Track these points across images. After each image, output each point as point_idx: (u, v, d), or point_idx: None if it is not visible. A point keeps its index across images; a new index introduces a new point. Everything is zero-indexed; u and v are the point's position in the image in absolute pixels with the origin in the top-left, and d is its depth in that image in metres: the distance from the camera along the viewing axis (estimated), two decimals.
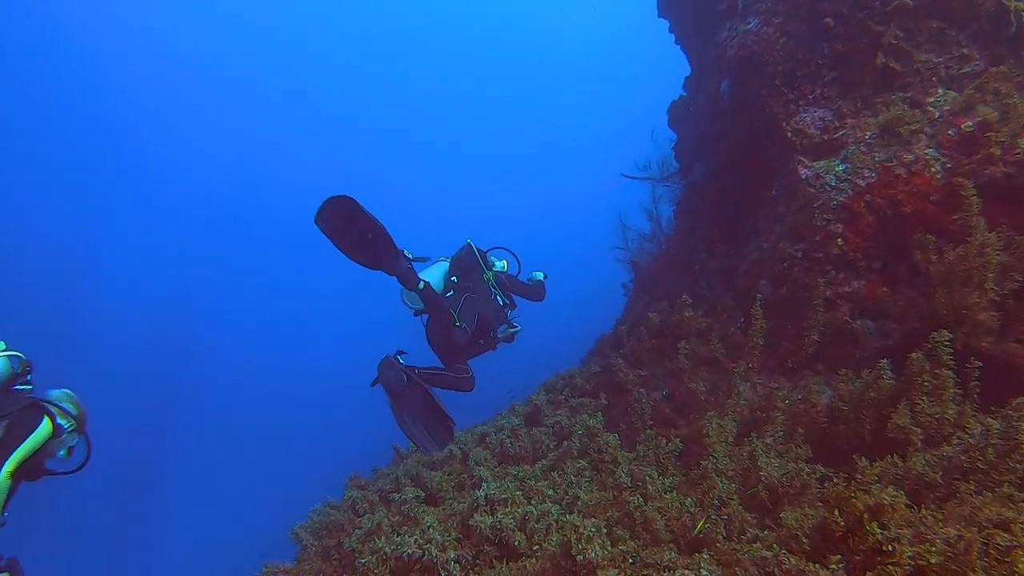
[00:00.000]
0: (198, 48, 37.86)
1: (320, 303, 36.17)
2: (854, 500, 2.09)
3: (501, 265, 5.10)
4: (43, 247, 29.51)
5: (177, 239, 35.67)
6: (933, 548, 1.77)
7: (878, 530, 1.91)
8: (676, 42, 7.80)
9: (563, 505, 3.30)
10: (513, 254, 5.19)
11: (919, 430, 2.97)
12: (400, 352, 4.23)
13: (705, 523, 2.84)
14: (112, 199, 34.18)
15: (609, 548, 2.39)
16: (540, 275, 5.39)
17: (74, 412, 3.37)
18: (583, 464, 3.96)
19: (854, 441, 3.43)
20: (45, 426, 3.10)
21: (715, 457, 3.28)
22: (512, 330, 5.06)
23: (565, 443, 4.57)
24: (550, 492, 3.58)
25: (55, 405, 3.26)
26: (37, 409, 3.13)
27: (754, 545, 2.20)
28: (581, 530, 2.51)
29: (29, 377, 3.32)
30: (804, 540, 2.23)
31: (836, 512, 2.04)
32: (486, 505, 3.12)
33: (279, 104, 41.81)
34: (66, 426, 3.29)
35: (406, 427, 3.89)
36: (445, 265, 4.76)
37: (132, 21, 34.32)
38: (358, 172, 43.58)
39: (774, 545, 2.06)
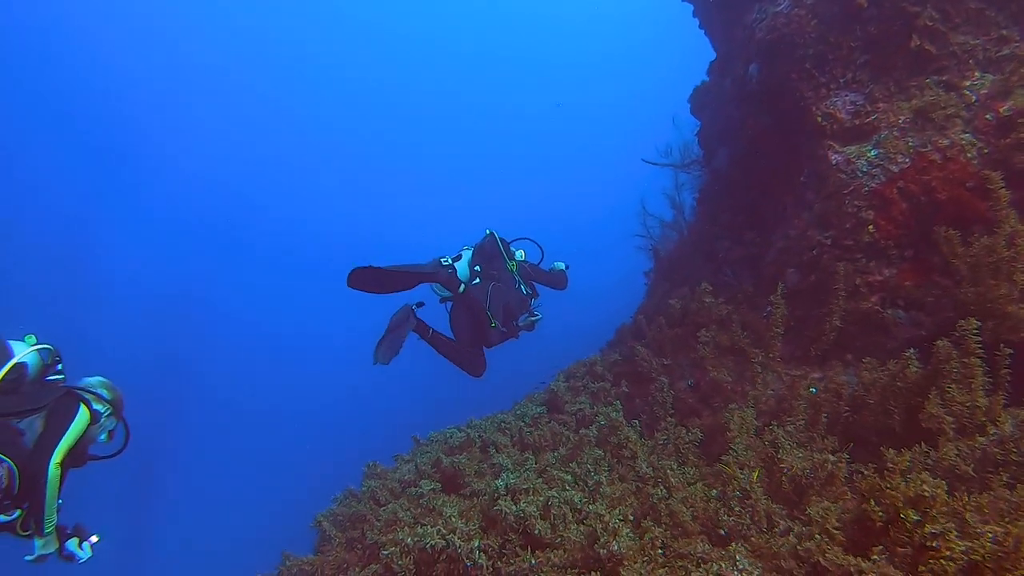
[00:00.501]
0: (204, 50, 37.79)
1: (328, 298, 36.29)
2: (891, 491, 2.04)
3: (520, 255, 5.16)
4: (45, 250, 29.72)
5: (180, 243, 35.76)
6: (986, 544, 1.71)
7: (915, 519, 1.86)
8: (700, 27, 7.66)
9: (586, 492, 3.27)
10: (536, 243, 5.27)
11: (951, 419, 2.89)
12: (419, 304, 4.55)
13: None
14: (115, 203, 34.27)
15: (635, 539, 2.35)
16: (562, 265, 5.49)
17: (109, 397, 3.44)
18: (600, 453, 3.93)
19: (881, 431, 3.36)
20: (83, 414, 3.18)
21: (735, 450, 3.23)
22: (533, 319, 5.15)
23: (582, 431, 4.56)
24: (568, 478, 3.55)
25: (90, 392, 3.32)
26: (72, 398, 3.21)
27: (787, 538, 2.15)
28: (606, 520, 2.48)
29: (60, 367, 3.39)
30: (836, 533, 2.17)
31: (873, 503, 1.98)
32: (507, 494, 3.09)
33: (294, 108, 41.70)
34: (103, 411, 3.37)
35: (377, 345, 4.30)
36: (468, 254, 4.82)
37: (137, 22, 34.27)
38: (381, 172, 43.48)
39: (816, 535, 2.00)
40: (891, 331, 4.00)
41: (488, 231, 5.01)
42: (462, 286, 4.48)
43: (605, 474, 3.54)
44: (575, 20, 42.85)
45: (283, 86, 41.45)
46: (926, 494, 1.92)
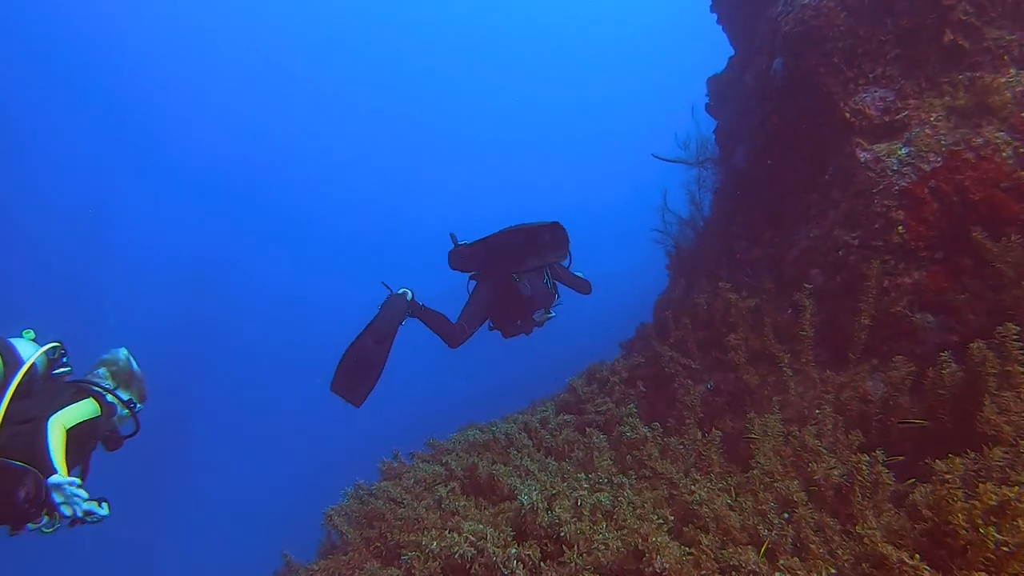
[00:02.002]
0: (234, 22, 37.73)
1: (349, 280, 36.22)
2: (962, 504, 1.89)
3: None
4: (66, 225, 29.82)
5: (199, 218, 35.74)
6: None
7: (1008, 548, 1.70)
8: (718, 22, 7.51)
9: (611, 495, 3.14)
10: None
11: (1010, 428, 2.74)
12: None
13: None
14: (130, 179, 34.25)
15: (680, 549, 2.24)
16: (580, 274, 5.66)
17: (124, 393, 3.49)
18: (610, 461, 3.81)
19: (915, 436, 3.24)
20: (89, 402, 3.17)
21: (759, 462, 3.09)
22: (547, 316, 5.34)
23: (588, 428, 4.47)
24: (583, 476, 3.44)
25: (106, 389, 3.37)
26: (83, 392, 3.21)
27: (847, 550, 2.03)
28: (642, 532, 2.35)
29: (64, 359, 3.37)
30: (887, 550, 2.03)
31: (961, 518, 1.84)
32: (540, 500, 2.95)
33: (317, 89, 41.73)
34: (119, 406, 3.43)
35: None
36: None
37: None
38: (405, 155, 43.39)
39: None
40: (920, 336, 3.87)
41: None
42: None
43: (630, 478, 3.42)
44: (601, 8, 42.45)
45: (307, 67, 41.39)
46: (1010, 497, 1.76)
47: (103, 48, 33.00)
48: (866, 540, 1.98)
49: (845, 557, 2.00)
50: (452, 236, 4.85)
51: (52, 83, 31.05)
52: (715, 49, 7.82)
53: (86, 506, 2.84)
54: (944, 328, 3.82)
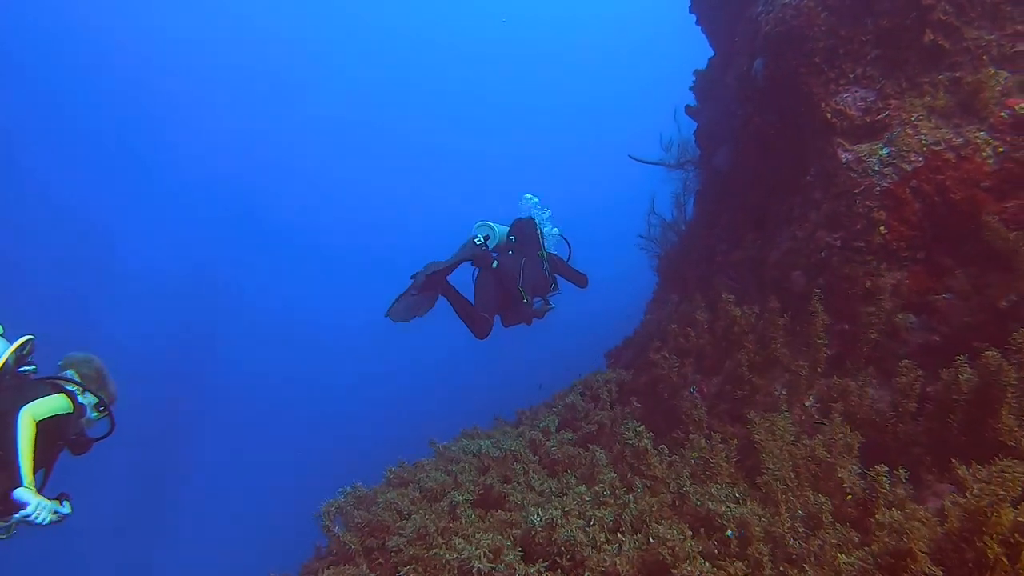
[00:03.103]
0: (223, 40, 37.50)
1: (344, 293, 35.95)
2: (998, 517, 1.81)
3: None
4: (60, 237, 29.50)
5: (196, 228, 35.39)
6: None
7: None
8: (697, 23, 7.50)
9: (615, 510, 3.05)
10: (566, 240, 5.52)
11: None
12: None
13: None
14: (128, 189, 33.93)
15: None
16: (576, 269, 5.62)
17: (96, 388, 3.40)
18: (614, 476, 3.71)
19: (925, 443, 3.17)
20: (60, 397, 3.11)
21: (769, 467, 2.99)
22: (548, 308, 5.32)
23: (589, 444, 4.40)
24: (585, 490, 3.36)
25: (74, 382, 3.29)
26: (55, 388, 3.15)
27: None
28: (670, 543, 2.25)
29: (30, 358, 3.29)
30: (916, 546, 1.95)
31: (996, 531, 1.76)
32: (559, 515, 2.85)
33: (308, 102, 41.53)
34: (88, 404, 3.34)
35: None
36: (504, 229, 5.12)
37: (149, 8, 33.97)
38: (394, 163, 43.28)
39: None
40: (902, 337, 3.84)
41: (531, 216, 5.27)
42: (495, 262, 4.79)
43: (636, 491, 3.33)
44: (587, 11, 42.53)
45: (298, 80, 41.14)
46: None
47: (104, 58, 32.86)
48: (893, 529, 1.91)
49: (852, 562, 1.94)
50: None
51: (53, 93, 30.91)
52: (707, 51, 7.81)
53: (51, 517, 2.89)
54: (926, 328, 3.79)
